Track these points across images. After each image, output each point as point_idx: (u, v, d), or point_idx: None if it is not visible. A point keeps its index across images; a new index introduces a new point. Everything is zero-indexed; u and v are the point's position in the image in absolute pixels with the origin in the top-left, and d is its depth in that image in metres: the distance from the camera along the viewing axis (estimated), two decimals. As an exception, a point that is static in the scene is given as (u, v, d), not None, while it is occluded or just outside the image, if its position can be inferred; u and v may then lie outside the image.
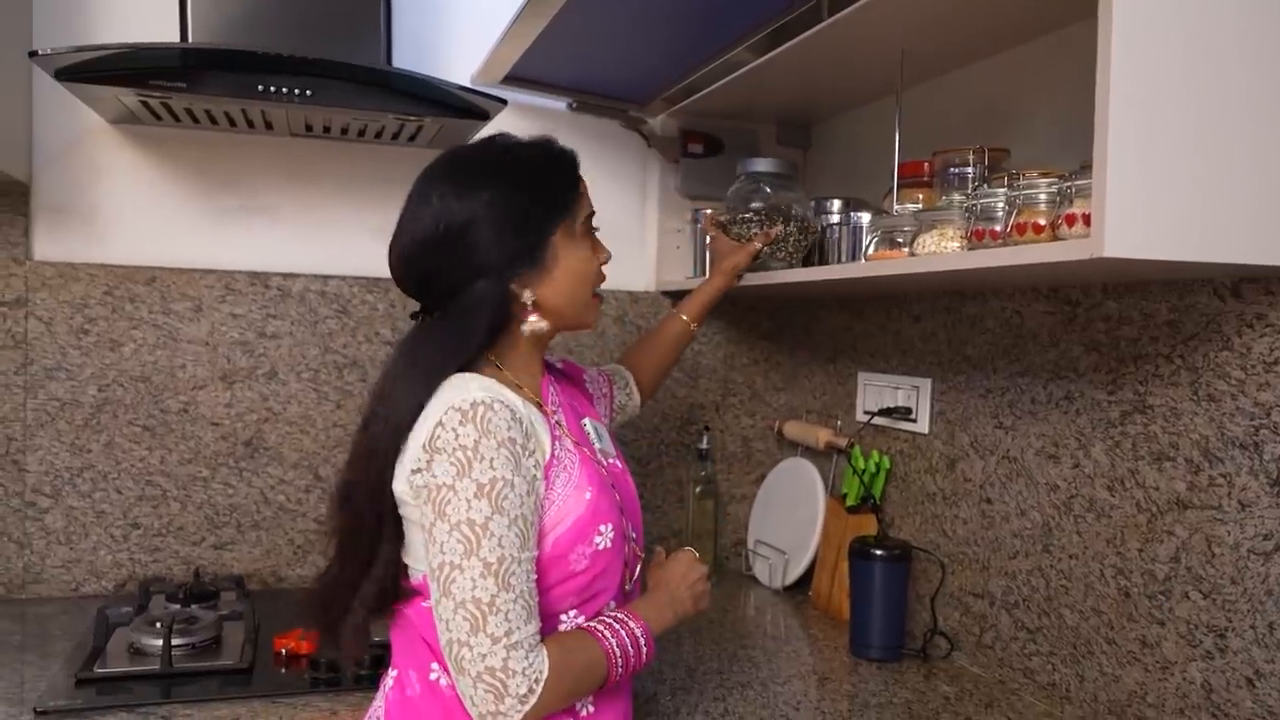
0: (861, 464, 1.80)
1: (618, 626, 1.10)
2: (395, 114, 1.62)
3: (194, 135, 1.84)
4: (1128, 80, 0.90)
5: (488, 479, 0.99)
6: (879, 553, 1.60)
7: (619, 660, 1.08)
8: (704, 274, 1.96)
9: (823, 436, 1.94)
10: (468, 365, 1.09)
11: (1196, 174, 0.94)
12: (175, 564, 1.84)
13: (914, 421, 1.73)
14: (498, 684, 0.97)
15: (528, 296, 1.13)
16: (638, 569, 1.22)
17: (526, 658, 0.98)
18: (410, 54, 1.90)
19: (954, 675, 1.53)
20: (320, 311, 1.91)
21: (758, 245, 1.65)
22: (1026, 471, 1.47)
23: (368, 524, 1.08)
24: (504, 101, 1.62)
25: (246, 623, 1.58)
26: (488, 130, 1.30)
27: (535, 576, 1.03)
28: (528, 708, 0.98)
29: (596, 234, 1.22)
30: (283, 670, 1.45)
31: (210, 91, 1.52)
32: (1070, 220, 1.04)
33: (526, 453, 1.03)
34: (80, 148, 1.79)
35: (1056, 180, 1.09)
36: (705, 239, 1.96)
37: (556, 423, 1.14)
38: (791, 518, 2.01)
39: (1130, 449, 1.29)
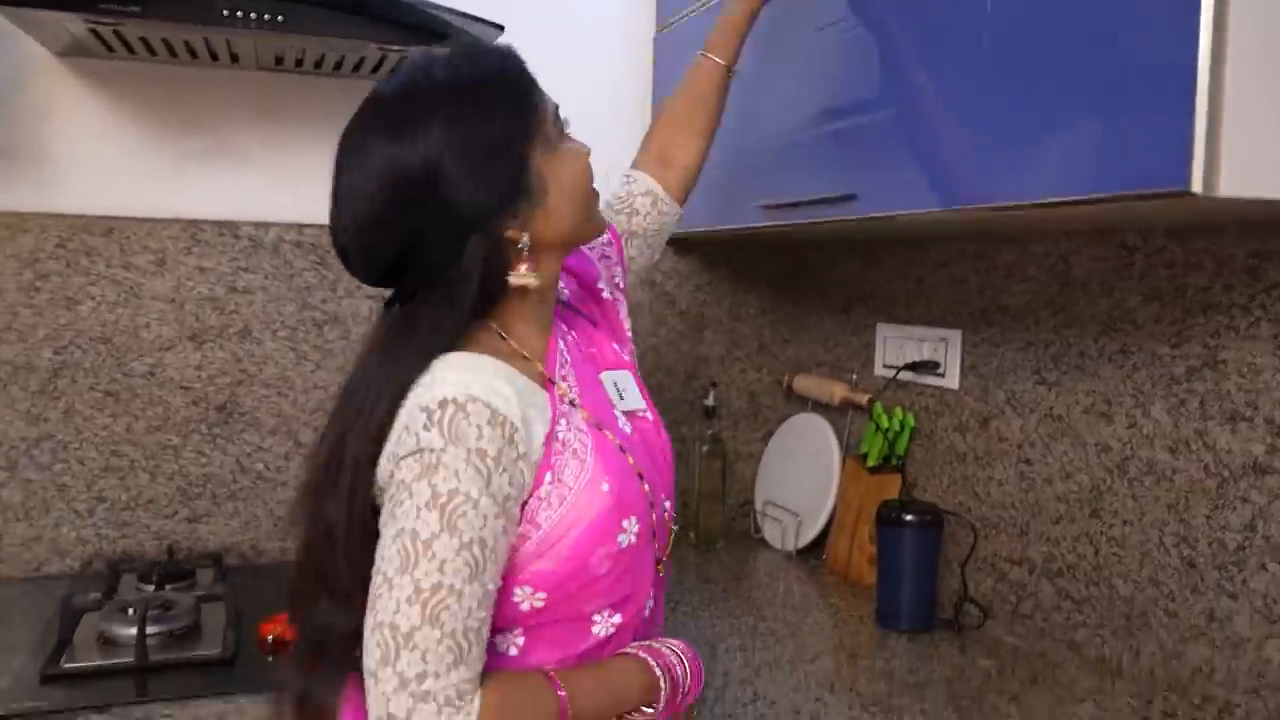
0: (886, 422, 1.69)
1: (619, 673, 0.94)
2: (376, 43, 1.47)
3: (152, 69, 1.67)
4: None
5: (446, 490, 0.83)
6: (910, 518, 1.49)
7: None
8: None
9: (839, 392, 1.83)
10: (463, 338, 0.92)
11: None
12: (146, 539, 1.70)
13: (942, 376, 1.62)
14: None
15: (525, 241, 0.93)
16: (669, 540, 1.05)
17: (440, 713, 0.80)
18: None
19: (990, 647, 1.43)
20: (296, 264, 1.76)
21: None
22: (1073, 430, 1.36)
23: (342, 546, 0.89)
24: (501, 27, 1.46)
25: (227, 605, 1.45)
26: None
27: (486, 614, 0.85)
28: None
29: (568, 128, 1.00)
30: (269, 659, 1.33)
31: (167, 16, 1.36)
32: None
33: (500, 468, 0.85)
34: (24, 84, 1.62)
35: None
36: None
37: (568, 400, 0.97)
38: (803, 477, 1.90)
39: (1198, 408, 1.18)
